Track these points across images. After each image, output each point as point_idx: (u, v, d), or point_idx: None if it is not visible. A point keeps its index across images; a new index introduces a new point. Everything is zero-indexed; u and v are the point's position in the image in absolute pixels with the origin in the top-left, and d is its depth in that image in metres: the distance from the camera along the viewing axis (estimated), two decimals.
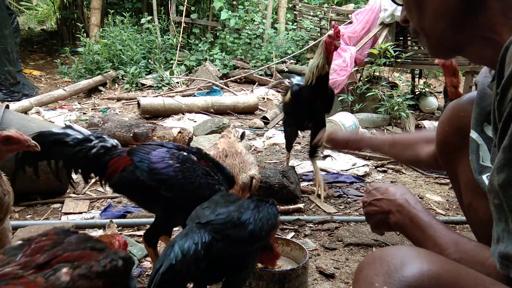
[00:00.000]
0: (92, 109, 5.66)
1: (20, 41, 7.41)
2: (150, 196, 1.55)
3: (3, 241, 1.49)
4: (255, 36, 8.62)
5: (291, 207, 2.55)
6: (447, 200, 2.82)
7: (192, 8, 8.89)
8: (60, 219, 2.39)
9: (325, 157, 3.72)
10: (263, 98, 6.36)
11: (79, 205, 2.56)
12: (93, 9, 8.53)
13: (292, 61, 7.85)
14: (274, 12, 9.72)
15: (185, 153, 1.59)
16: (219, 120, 4.36)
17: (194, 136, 3.85)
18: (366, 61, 5.22)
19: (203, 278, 1.28)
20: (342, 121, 4.00)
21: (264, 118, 5.14)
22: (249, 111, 5.65)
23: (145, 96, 5.99)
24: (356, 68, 5.08)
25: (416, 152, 1.47)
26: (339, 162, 3.55)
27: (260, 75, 7.55)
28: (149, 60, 7.41)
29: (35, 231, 1.87)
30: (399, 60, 4.96)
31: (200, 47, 8.28)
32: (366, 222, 1.25)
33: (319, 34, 7.96)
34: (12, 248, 1.07)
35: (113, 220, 2.15)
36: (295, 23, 9.07)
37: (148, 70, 7.45)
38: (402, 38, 5.78)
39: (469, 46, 0.86)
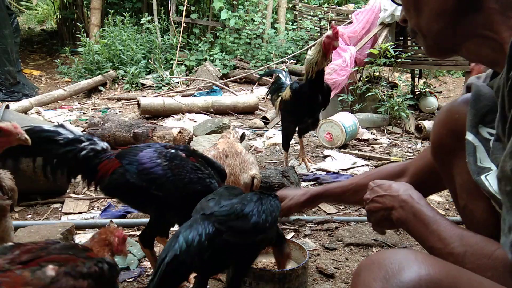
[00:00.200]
0: (92, 109, 5.67)
1: (20, 41, 7.41)
2: (142, 197, 1.55)
3: (5, 239, 1.49)
4: (255, 36, 8.62)
5: None
6: (447, 200, 2.82)
7: (192, 8, 8.89)
8: (60, 219, 2.39)
9: (325, 157, 3.72)
10: (263, 98, 6.35)
11: (79, 205, 2.56)
12: (93, 9, 8.53)
13: (292, 61, 7.85)
14: (274, 12, 9.72)
15: (172, 151, 1.59)
16: (219, 120, 4.36)
17: (194, 136, 3.85)
18: (366, 61, 5.21)
19: (207, 269, 1.29)
20: (342, 121, 4.00)
21: (264, 118, 5.14)
22: (249, 111, 5.65)
23: (145, 96, 5.99)
24: (356, 68, 5.08)
25: None
26: (339, 162, 3.55)
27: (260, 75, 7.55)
28: (149, 60, 7.41)
29: (35, 231, 1.87)
30: (399, 60, 4.96)
31: (200, 47, 8.28)
32: (366, 222, 1.23)
33: (319, 34, 7.96)
34: (3, 247, 1.10)
35: (113, 220, 2.14)
36: (295, 23, 9.07)
37: (148, 70, 7.46)
38: (402, 38, 5.78)
39: (466, 45, 0.87)
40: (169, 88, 6.80)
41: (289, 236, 2.20)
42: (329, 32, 2.65)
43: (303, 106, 2.87)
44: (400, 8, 0.97)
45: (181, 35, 8.24)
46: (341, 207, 2.66)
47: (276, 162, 3.55)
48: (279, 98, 3.08)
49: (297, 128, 3.16)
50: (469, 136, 0.96)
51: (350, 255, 2.06)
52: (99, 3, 8.59)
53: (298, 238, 2.21)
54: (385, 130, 4.87)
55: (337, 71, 4.94)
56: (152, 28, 8.16)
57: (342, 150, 3.93)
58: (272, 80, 3.44)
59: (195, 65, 7.89)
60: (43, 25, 12.07)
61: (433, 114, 5.74)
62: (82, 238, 2.08)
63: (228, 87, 6.89)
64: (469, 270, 0.80)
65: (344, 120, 4.02)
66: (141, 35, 8.00)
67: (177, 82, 7.09)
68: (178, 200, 1.51)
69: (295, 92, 2.83)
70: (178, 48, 8.01)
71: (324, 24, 7.77)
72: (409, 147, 4.25)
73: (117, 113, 5.23)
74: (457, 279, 0.72)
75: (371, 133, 4.67)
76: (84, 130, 4.25)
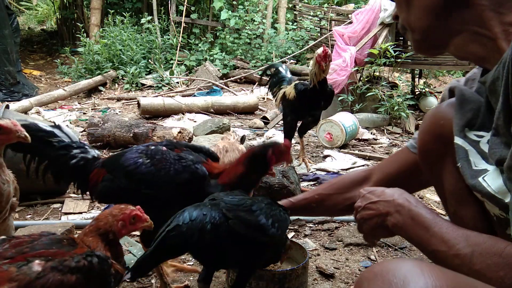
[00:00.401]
0: (92, 109, 5.67)
1: (20, 41, 7.41)
2: (135, 199, 1.55)
3: None
4: (255, 36, 8.62)
5: None
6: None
7: (192, 8, 8.90)
8: (60, 219, 2.39)
9: (325, 157, 3.72)
10: (263, 98, 6.36)
11: (79, 205, 2.56)
12: (93, 9, 8.53)
13: (292, 61, 7.85)
14: (274, 12, 9.72)
15: (153, 147, 1.59)
16: (219, 120, 4.36)
17: (194, 136, 3.85)
18: (366, 61, 5.21)
19: (208, 257, 1.31)
20: (342, 121, 4.00)
21: (264, 118, 5.14)
22: (249, 111, 5.65)
23: (145, 96, 5.99)
24: (356, 68, 5.08)
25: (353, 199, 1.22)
26: (339, 162, 3.55)
27: (260, 75, 7.56)
28: (149, 60, 7.41)
29: (35, 231, 1.86)
30: (399, 60, 4.96)
31: (200, 47, 8.28)
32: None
33: (319, 34, 7.96)
34: None
35: None
36: (295, 23, 9.08)
37: (148, 70, 7.46)
38: (402, 38, 5.77)
39: (454, 41, 0.87)
40: (169, 88, 6.80)
41: (289, 236, 2.20)
42: (320, 51, 2.83)
43: (305, 106, 3.06)
44: None
45: (181, 35, 8.24)
46: None
47: None
48: (281, 91, 3.22)
49: (297, 127, 3.29)
50: (458, 141, 0.94)
51: (350, 255, 2.06)
52: (99, 3, 8.59)
53: (298, 238, 2.21)
54: (385, 130, 4.87)
55: (337, 71, 4.94)
56: (152, 28, 8.16)
57: (342, 150, 3.93)
58: (270, 74, 3.50)
59: (195, 65, 7.89)
60: (43, 25, 12.07)
61: None
62: None
63: (228, 87, 6.89)
64: (478, 271, 0.76)
65: (344, 120, 4.02)
66: (141, 35, 8.00)
67: (177, 82, 7.09)
68: (170, 194, 1.52)
69: (300, 93, 3.00)
70: (178, 48, 8.01)
71: (324, 24, 7.77)
72: None
73: (117, 113, 5.23)
74: None
75: (371, 133, 4.67)
76: (84, 130, 4.25)
